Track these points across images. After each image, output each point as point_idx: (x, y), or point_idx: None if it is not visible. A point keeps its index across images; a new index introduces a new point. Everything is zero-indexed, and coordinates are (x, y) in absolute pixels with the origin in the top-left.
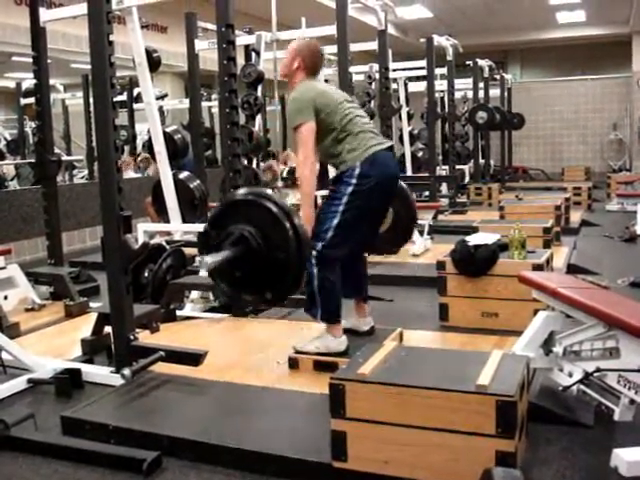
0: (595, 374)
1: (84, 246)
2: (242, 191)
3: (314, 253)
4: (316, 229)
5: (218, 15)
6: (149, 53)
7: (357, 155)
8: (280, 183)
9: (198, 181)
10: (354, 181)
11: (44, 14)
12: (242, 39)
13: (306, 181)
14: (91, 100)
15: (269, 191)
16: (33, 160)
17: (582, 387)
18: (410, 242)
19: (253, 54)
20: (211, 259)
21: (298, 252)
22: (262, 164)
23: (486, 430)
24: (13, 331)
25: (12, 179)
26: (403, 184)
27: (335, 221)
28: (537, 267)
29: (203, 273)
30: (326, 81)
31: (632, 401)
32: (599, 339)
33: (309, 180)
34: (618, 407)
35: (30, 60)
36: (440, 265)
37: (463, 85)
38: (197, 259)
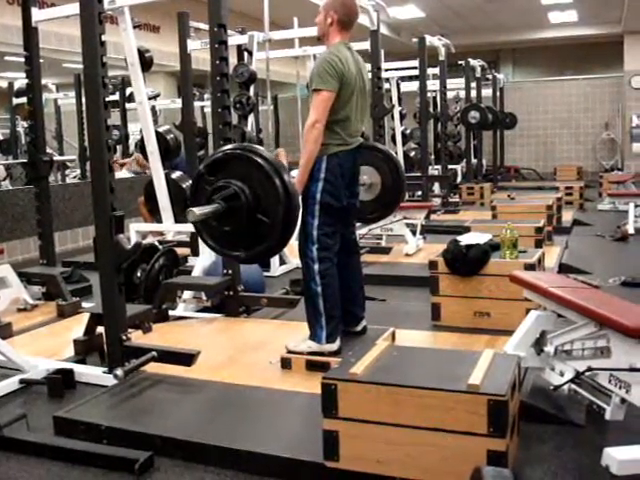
0: (586, 373)
1: (76, 246)
2: (243, 146)
3: (315, 270)
4: (303, 232)
5: (210, 15)
6: (141, 53)
7: (325, 149)
8: None
9: (191, 181)
10: (322, 175)
11: (36, 14)
12: (234, 39)
13: (308, 146)
14: (83, 100)
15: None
16: (25, 160)
17: (573, 386)
18: (403, 242)
19: (245, 54)
20: (199, 211)
21: (287, 207)
22: None
23: (477, 429)
24: (5, 331)
25: (4, 179)
26: (393, 154)
27: (316, 221)
28: (529, 267)
29: (190, 219)
30: None
31: (623, 400)
32: (590, 338)
33: (311, 146)
34: (609, 406)
35: (22, 60)
36: (432, 265)
37: (455, 85)
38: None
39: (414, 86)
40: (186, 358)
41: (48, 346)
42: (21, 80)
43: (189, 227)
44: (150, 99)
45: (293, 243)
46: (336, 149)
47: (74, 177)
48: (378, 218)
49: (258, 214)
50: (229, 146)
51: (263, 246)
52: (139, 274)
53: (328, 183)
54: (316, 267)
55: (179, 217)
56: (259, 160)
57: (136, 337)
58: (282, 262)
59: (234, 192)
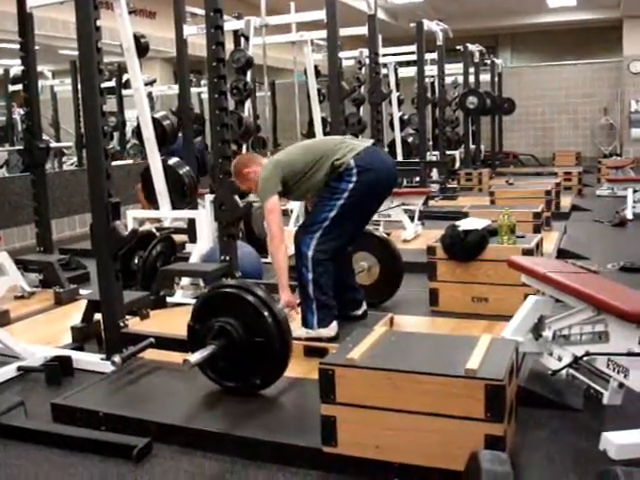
0: (584, 358)
1: (74, 233)
2: (221, 283)
3: (308, 257)
4: (311, 219)
5: (206, 0)
6: (137, 39)
7: (348, 156)
8: None
9: (188, 167)
10: (354, 178)
11: (31, 0)
12: (231, 24)
13: (276, 259)
14: (79, 86)
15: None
16: (21, 147)
17: (571, 371)
18: (401, 228)
19: (242, 39)
20: (194, 358)
21: (279, 338)
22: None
23: (475, 414)
24: (3, 319)
25: (1, 167)
26: (389, 239)
27: (332, 213)
28: (527, 252)
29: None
30: (316, 67)
31: (621, 385)
32: (588, 323)
33: (278, 258)
34: (607, 391)
35: (18, 46)
36: (430, 250)
37: (453, 70)
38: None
39: (412, 71)
40: (184, 344)
41: (46, 333)
42: (17, 67)
43: (186, 214)
44: (146, 85)
45: (292, 229)
46: (361, 147)
47: (71, 164)
48: (376, 303)
49: (252, 347)
50: (219, 284)
51: (262, 374)
52: (136, 261)
53: (359, 184)
54: (310, 254)
55: (176, 204)
56: (247, 296)
57: (134, 324)
58: None
59: (226, 330)
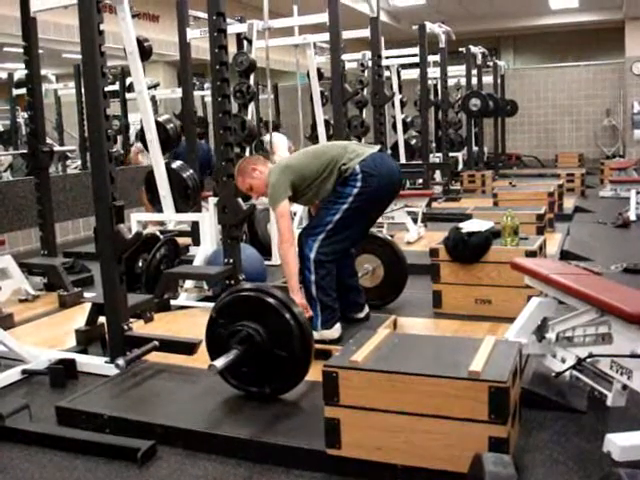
0: (588, 360)
1: (78, 236)
2: (247, 286)
3: (310, 259)
4: (315, 222)
5: (209, 3)
6: (140, 42)
7: (355, 161)
8: None
9: (191, 170)
10: (359, 184)
11: (34, 4)
12: (234, 27)
13: (286, 262)
14: (83, 90)
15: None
16: (25, 151)
17: (575, 373)
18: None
19: (245, 42)
20: (219, 363)
21: (301, 346)
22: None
23: (479, 416)
24: (7, 322)
25: (5, 170)
26: (392, 240)
27: (336, 217)
28: (530, 253)
29: (213, 372)
30: (318, 69)
31: (624, 386)
32: (592, 325)
33: (289, 261)
34: (611, 392)
35: (21, 50)
36: (433, 252)
37: (456, 72)
38: (208, 365)
39: (415, 74)
40: (187, 347)
41: (50, 336)
42: (21, 71)
43: (190, 217)
44: (149, 89)
45: (295, 231)
46: (367, 152)
47: (75, 168)
48: (380, 305)
49: (275, 350)
50: (237, 288)
51: (285, 378)
52: (140, 264)
53: (363, 189)
54: (312, 256)
55: (180, 207)
56: (268, 299)
57: (138, 327)
58: None
59: (249, 334)
